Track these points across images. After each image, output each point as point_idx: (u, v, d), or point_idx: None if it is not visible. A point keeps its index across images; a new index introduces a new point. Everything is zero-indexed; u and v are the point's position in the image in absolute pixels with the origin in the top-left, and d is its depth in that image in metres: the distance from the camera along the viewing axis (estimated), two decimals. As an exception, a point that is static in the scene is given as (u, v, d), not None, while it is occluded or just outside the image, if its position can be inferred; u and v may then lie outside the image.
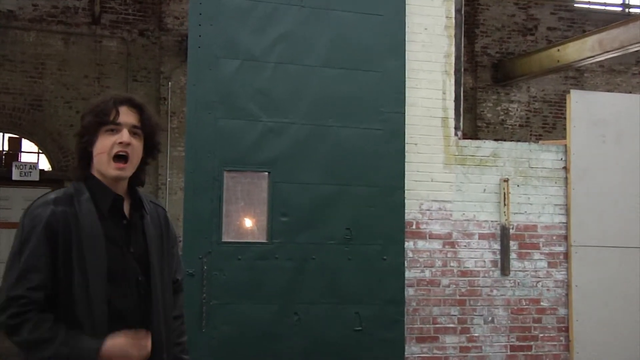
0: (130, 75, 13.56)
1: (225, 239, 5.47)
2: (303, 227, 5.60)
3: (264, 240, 5.56)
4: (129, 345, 2.34)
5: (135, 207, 2.56)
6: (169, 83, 13.49)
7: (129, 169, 2.49)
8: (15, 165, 12.96)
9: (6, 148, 13.59)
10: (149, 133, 2.55)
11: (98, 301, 2.33)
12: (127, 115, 2.48)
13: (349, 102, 5.78)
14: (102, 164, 2.46)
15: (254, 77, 5.62)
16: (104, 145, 2.44)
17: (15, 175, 12.89)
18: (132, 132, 2.48)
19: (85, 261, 2.34)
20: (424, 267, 6.02)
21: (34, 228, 2.33)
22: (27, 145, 13.80)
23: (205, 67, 5.53)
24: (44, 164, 13.65)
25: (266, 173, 5.60)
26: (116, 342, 2.32)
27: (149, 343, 2.40)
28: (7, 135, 13.64)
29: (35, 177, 12.94)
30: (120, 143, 2.44)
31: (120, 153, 2.45)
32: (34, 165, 13.19)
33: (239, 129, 5.55)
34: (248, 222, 5.67)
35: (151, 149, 2.59)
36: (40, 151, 13.77)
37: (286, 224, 5.57)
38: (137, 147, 2.50)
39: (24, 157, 13.79)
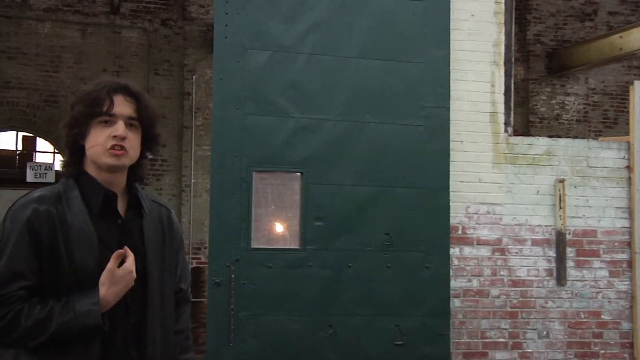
0: (151, 69, 13.65)
1: (254, 245, 5.51)
2: (339, 232, 5.63)
3: (297, 247, 5.60)
4: (116, 272, 2.34)
5: (133, 206, 2.51)
6: (194, 77, 13.58)
7: (126, 158, 2.43)
8: (30, 166, 13.07)
9: (20, 148, 13.74)
10: (147, 125, 2.49)
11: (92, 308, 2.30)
12: (122, 106, 2.42)
13: (388, 96, 5.79)
14: (96, 154, 2.40)
15: (285, 70, 5.66)
16: (97, 138, 2.39)
17: (30, 177, 12.98)
18: (128, 123, 2.42)
19: (76, 265, 2.31)
20: (471, 276, 6.00)
21: (13, 228, 2.31)
22: (42, 144, 13.96)
23: (233, 59, 5.59)
24: (60, 164, 13.76)
25: (299, 174, 5.63)
26: (103, 277, 2.33)
27: (129, 264, 2.37)
28: (21, 134, 13.80)
29: (50, 178, 13.03)
30: (115, 137, 2.38)
31: (116, 147, 2.39)
32: (49, 166, 13.29)
33: (269, 126, 5.59)
34: (279, 227, 5.70)
35: (150, 142, 2.54)
36: (56, 151, 13.94)
37: (320, 229, 5.60)
38: (134, 141, 2.45)
39: (39, 158, 13.95)
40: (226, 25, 5.60)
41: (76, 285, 2.31)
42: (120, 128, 2.39)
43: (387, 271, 5.67)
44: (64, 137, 2.47)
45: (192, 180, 13.40)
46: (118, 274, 2.34)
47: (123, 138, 2.39)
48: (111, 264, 2.33)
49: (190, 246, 12.79)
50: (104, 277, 2.32)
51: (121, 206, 2.49)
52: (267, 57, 5.63)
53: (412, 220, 5.73)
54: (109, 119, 2.40)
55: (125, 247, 2.39)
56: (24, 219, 2.31)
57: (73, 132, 2.42)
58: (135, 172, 2.54)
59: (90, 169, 2.45)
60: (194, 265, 12.57)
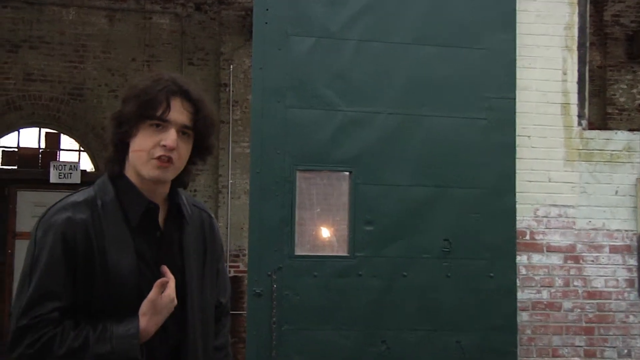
0: (185, 58, 13.74)
1: (298, 252, 5.55)
2: (391, 237, 5.63)
3: (345, 254, 5.62)
4: (158, 301, 2.34)
5: (173, 216, 2.51)
6: (231, 66, 13.64)
7: (171, 171, 2.42)
8: (54, 166, 13.15)
9: (43, 145, 13.91)
10: (202, 134, 2.47)
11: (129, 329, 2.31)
12: (179, 112, 2.39)
13: (446, 87, 5.78)
14: (139, 161, 2.39)
15: (332, 58, 5.68)
16: (145, 143, 2.38)
17: (54, 177, 13.05)
18: (181, 131, 2.41)
19: (111, 281, 2.32)
20: (541, 286, 5.96)
21: (46, 241, 2.31)
22: (66, 141, 14.10)
23: (274, 47, 5.63)
24: (86, 164, 13.93)
25: (347, 173, 5.65)
26: (145, 308, 2.33)
27: (171, 291, 2.38)
28: (43, 131, 13.92)
29: (76, 179, 13.05)
30: (164, 146, 2.36)
31: (162, 158, 2.37)
32: (74, 166, 13.32)
33: (314, 120, 5.62)
34: (325, 232, 5.73)
35: (201, 151, 2.53)
36: (82, 149, 14.05)
37: (371, 234, 5.61)
38: (183, 151, 2.43)
39: (63, 156, 14.05)
40: (266, 10, 5.64)
41: (112, 304, 2.31)
42: (171, 137, 2.37)
43: (446, 281, 5.66)
44: (110, 132, 2.45)
45: (230, 181, 13.46)
46: (160, 303, 2.35)
47: (172, 149, 2.37)
48: (153, 294, 2.33)
49: (227, 253, 12.85)
50: (145, 308, 2.33)
51: (161, 215, 2.49)
52: (311, 44, 5.66)
53: (474, 225, 5.71)
54: (162, 124, 2.37)
55: (166, 271, 2.40)
56: (59, 231, 2.31)
57: (121, 129, 2.40)
58: (179, 178, 2.52)
59: (131, 174, 2.45)
60: (232, 274, 12.66)
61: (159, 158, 2.36)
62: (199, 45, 13.88)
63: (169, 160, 2.38)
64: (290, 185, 5.55)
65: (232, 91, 13.62)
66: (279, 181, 5.53)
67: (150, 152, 2.37)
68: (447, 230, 5.69)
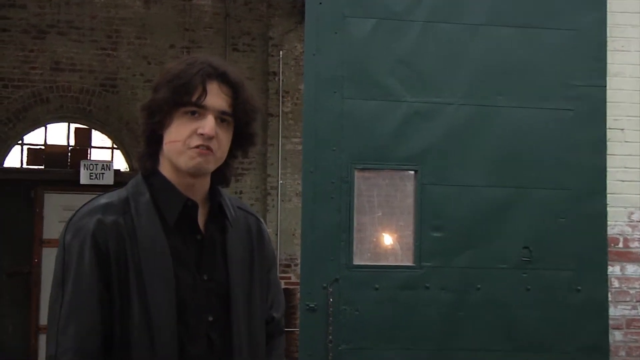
0: (229, 43, 13.81)
1: (357, 261, 5.56)
2: (463, 245, 5.62)
3: (410, 264, 5.62)
4: None
5: (214, 217, 2.50)
6: (280, 52, 13.70)
7: (212, 161, 2.41)
8: (84, 165, 13.30)
9: (72, 143, 14.03)
10: (242, 121, 2.47)
11: (165, 348, 2.31)
12: (216, 97, 2.39)
13: (526, 73, 5.75)
14: (175, 153, 2.39)
15: (395, 42, 5.68)
16: (180, 133, 2.37)
17: (84, 178, 13.20)
18: (220, 118, 2.40)
19: (147, 291, 2.31)
20: (637, 301, 5.89)
21: (76, 249, 2.32)
22: (97, 138, 14.23)
23: (329, 30, 5.64)
24: (120, 163, 14.05)
25: (412, 172, 5.65)
26: None
27: None
28: (73, 126, 14.04)
29: (108, 180, 13.18)
30: (202, 135, 2.35)
31: (201, 147, 2.36)
32: (107, 165, 13.45)
33: (375, 113, 5.63)
34: (388, 239, 5.73)
35: (243, 141, 2.54)
36: (115, 146, 14.13)
37: (440, 240, 5.60)
38: (223, 140, 2.43)
39: (95, 154, 14.16)
40: (321, -12, 5.67)
41: (146, 321, 2.30)
42: (209, 124, 2.35)
43: (525, 295, 5.62)
44: (141, 123, 2.46)
45: (280, 181, 13.52)
46: None
47: (211, 138, 2.36)
48: None
49: (277, 263, 12.87)
50: None
51: (201, 216, 2.48)
52: (371, 27, 5.67)
53: (558, 231, 5.67)
54: (198, 111, 2.37)
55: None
56: (89, 237, 2.32)
57: (153, 119, 2.40)
58: (220, 173, 2.53)
59: (166, 169, 2.45)
60: (282, 286, 12.68)
61: (196, 147, 2.36)
62: (244, 29, 13.94)
63: (209, 149, 2.37)
64: (348, 186, 5.56)
65: (282, 80, 13.67)
66: (335, 182, 5.55)
67: (186, 142, 2.36)
68: (527, 237, 5.65)
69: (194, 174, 2.41)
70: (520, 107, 5.72)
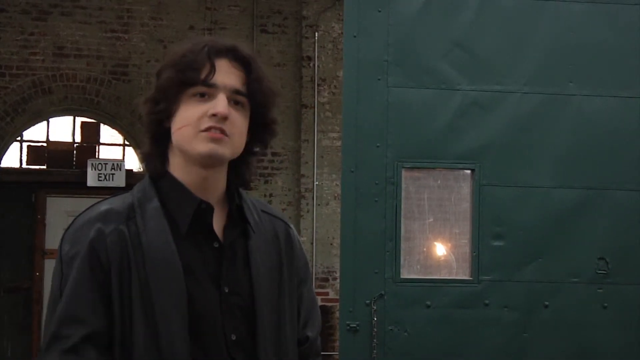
0: (257, 24, 13.84)
1: (405, 274, 5.56)
2: (528, 256, 5.60)
3: (467, 277, 5.62)
4: None
5: (234, 222, 2.50)
6: (316, 34, 13.71)
7: (227, 146, 2.38)
8: (92, 165, 13.32)
9: (78, 139, 14.03)
10: (258, 104, 2.45)
11: None
12: (226, 74, 2.39)
13: (601, 57, 5.72)
14: (185, 139, 2.38)
15: (448, 22, 5.68)
16: (188, 117, 2.37)
17: (92, 180, 13.24)
18: (233, 99, 2.39)
19: (154, 309, 2.30)
20: None
21: (72, 260, 2.34)
22: (107, 133, 14.27)
23: (372, 8, 5.65)
24: (132, 162, 14.06)
25: (468, 171, 5.65)
26: None
27: None
28: (79, 120, 14.10)
29: (119, 181, 13.22)
30: (214, 115, 2.34)
31: (213, 130, 2.35)
32: (118, 165, 13.47)
33: (425, 103, 5.63)
34: (441, 249, 5.73)
35: (261, 129, 2.52)
36: (127, 143, 14.16)
37: (502, 250, 5.59)
38: (239, 123, 2.41)
39: (104, 152, 14.17)
40: (362, -40, 5.69)
41: (153, 342, 2.30)
42: (221, 104, 2.34)
43: (602, 313, 5.59)
44: (145, 117, 2.46)
45: (316, 183, 13.53)
46: None
47: (225, 118, 2.34)
48: None
49: (313, 277, 12.91)
50: None
51: (219, 221, 2.47)
52: (421, 4, 5.67)
53: (639, 239, 5.63)
54: (207, 91, 2.36)
55: None
56: (85, 248, 2.33)
57: (157, 107, 2.41)
58: (238, 173, 2.53)
59: (176, 169, 2.44)
60: (319, 303, 12.70)
61: (208, 129, 2.35)
62: (274, 7, 13.97)
63: (223, 132, 2.35)
64: (395, 187, 5.57)
65: (318, 66, 13.69)
66: (380, 183, 5.56)
67: (195, 125, 2.36)
68: (603, 247, 5.63)
69: (208, 163, 2.40)
70: (595, 96, 5.69)
